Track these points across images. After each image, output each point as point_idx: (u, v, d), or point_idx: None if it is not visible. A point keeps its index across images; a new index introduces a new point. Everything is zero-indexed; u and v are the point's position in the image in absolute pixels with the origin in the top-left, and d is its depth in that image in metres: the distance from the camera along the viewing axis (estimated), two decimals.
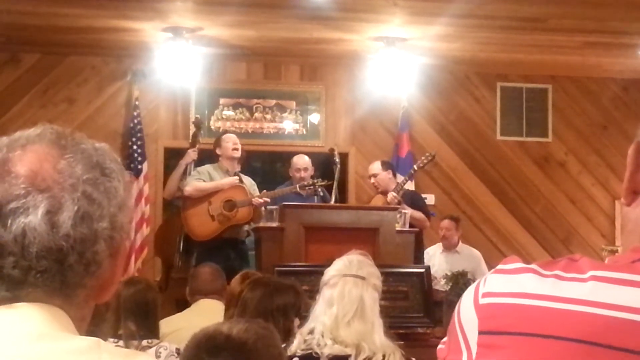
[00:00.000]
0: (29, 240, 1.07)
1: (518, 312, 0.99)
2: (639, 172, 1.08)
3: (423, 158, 8.06)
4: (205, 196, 7.48)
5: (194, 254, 7.63)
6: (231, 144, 7.66)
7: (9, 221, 1.07)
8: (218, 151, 7.74)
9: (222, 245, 7.42)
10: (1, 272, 1.08)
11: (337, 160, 7.69)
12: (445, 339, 1.10)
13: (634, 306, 0.95)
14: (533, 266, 1.02)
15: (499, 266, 1.05)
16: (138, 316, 3.86)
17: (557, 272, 1.01)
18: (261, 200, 7.36)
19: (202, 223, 7.48)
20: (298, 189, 7.54)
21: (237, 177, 7.59)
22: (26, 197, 1.07)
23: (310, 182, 7.59)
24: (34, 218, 1.07)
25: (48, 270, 1.08)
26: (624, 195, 1.10)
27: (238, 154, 7.66)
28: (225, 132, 8.25)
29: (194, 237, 7.61)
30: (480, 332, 1.01)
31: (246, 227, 7.61)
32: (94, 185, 1.12)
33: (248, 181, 7.71)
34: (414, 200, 7.92)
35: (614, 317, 0.95)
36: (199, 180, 7.58)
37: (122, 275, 1.24)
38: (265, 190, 7.62)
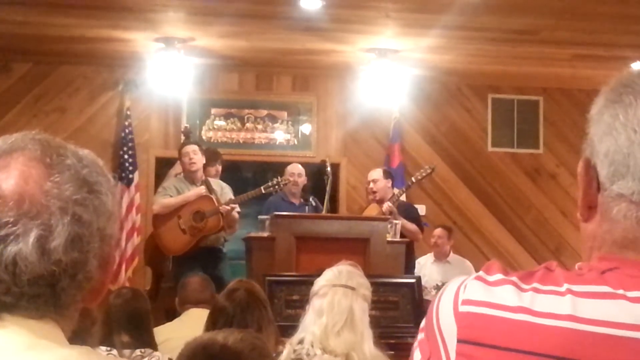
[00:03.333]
0: (20, 269, 1.05)
1: (497, 325, 0.99)
2: (590, 187, 1.09)
3: (422, 171, 7.99)
4: (175, 211, 7.38)
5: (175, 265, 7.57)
6: (187, 160, 7.46)
7: None
8: (181, 164, 7.66)
9: (198, 255, 7.31)
10: None
11: (329, 170, 7.69)
12: (422, 336, 1.10)
13: (611, 320, 0.96)
14: (513, 278, 1.03)
15: (481, 273, 1.06)
16: (130, 326, 3.85)
17: (535, 284, 1.01)
18: (228, 208, 7.28)
19: (174, 238, 7.39)
20: (263, 191, 7.44)
21: (203, 187, 7.42)
22: (15, 224, 1.05)
23: (275, 182, 7.49)
24: (24, 246, 1.05)
25: (41, 295, 1.07)
26: (580, 212, 1.12)
27: (195, 167, 7.44)
28: (185, 144, 7.80)
29: (168, 254, 7.57)
30: (459, 341, 1.02)
31: (214, 236, 7.47)
32: (83, 205, 1.10)
33: (218, 187, 7.53)
34: (407, 211, 7.88)
35: (591, 332, 0.95)
36: (165, 196, 7.46)
37: (111, 279, 1.23)
38: (231, 197, 7.49)
